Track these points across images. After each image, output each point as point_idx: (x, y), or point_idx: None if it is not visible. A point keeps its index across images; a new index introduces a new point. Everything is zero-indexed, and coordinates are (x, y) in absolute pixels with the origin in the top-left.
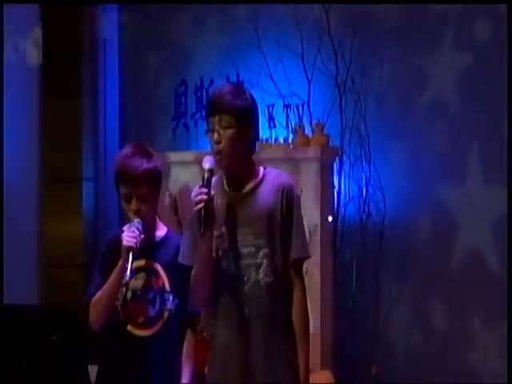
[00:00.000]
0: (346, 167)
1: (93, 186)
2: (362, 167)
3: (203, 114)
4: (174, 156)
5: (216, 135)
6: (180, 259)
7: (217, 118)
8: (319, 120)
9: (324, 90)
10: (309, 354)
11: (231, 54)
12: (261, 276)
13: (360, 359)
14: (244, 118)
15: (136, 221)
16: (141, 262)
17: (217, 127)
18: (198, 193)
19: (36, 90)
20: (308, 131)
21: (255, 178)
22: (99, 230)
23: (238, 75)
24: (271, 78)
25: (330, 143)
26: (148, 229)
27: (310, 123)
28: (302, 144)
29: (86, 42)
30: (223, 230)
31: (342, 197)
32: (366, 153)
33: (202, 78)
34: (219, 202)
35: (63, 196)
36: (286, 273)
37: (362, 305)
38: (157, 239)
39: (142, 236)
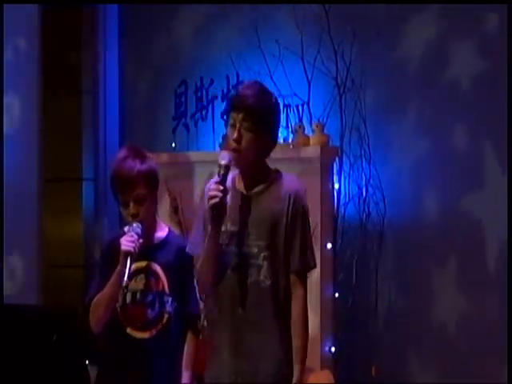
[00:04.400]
0: (346, 167)
1: (93, 186)
2: (362, 167)
3: (203, 113)
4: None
5: (236, 134)
6: (188, 249)
7: (240, 116)
8: (319, 120)
9: (324, 89)
10: (303, 364)
11: (231, 54)
12: (261, 277)
13: (360, 359)
14: (266, 123)
15: (135, 225)
16: (141, 264)
17: (238, 125)
18: (213, 188)
19: (36, 90)
20: (308, 131)
21: (267, 180)
22: (99, 230)
23: (237, 75)
24: (271, 78)
25: (330, 143)
26: (148, 230)
27: (310, 123)
28: (301, 144)
29: (86, 42)
30: (229, 226)
31: (342, 197)
32: (366, 153)
33: (201, 78)
34: (229, 199)
35: (63, 196)
36: (287, 280)
37: (362, 305)
38: (157, 241)
39: (141, 240)
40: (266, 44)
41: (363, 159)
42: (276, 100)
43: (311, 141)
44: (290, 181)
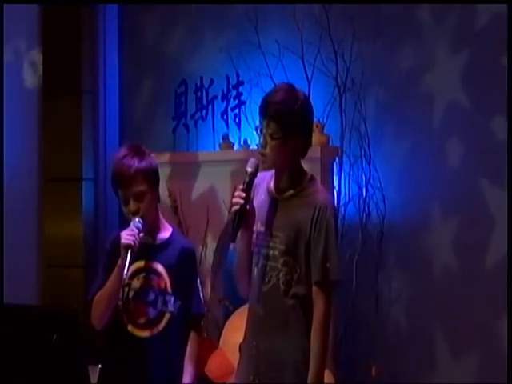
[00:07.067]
0: (346, 167)
1: (93, 186)
2: (362, 167)
3: (203, 113)
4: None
5: (262, 139)
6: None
7: (265, 122)
8: (319, 120)
9: (324, 90)
10: (321, 371)
11: (231, 54)
12: (280, 281)
13: (360, 359)
14: (291, 129)
15: (136, 219)
16: (143, 263)
17: (264, 131)
18: (236, 195)
19: (36, 90)
20: None
21: (298, 186)
22: (99, 230)
23: (237, 75)
24: (271, 78)
25: (330, 143)
26: (150, 228)
27: None
28: None
29: (85, 42)
30: (259, 227)
31: (342, 197)
32: (366, 153)
33: (201, 78)
34: (262, 199)
35: (63, 196)
36: (309, 290)
37: (362, 305)
38: (161, 240)
39: (142, 235)
40: (265, 44)
41: (363, 159)
42: (303, 103)
43: None
44: (320, 191)
